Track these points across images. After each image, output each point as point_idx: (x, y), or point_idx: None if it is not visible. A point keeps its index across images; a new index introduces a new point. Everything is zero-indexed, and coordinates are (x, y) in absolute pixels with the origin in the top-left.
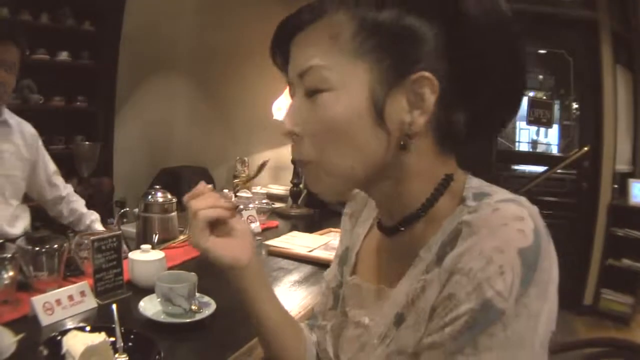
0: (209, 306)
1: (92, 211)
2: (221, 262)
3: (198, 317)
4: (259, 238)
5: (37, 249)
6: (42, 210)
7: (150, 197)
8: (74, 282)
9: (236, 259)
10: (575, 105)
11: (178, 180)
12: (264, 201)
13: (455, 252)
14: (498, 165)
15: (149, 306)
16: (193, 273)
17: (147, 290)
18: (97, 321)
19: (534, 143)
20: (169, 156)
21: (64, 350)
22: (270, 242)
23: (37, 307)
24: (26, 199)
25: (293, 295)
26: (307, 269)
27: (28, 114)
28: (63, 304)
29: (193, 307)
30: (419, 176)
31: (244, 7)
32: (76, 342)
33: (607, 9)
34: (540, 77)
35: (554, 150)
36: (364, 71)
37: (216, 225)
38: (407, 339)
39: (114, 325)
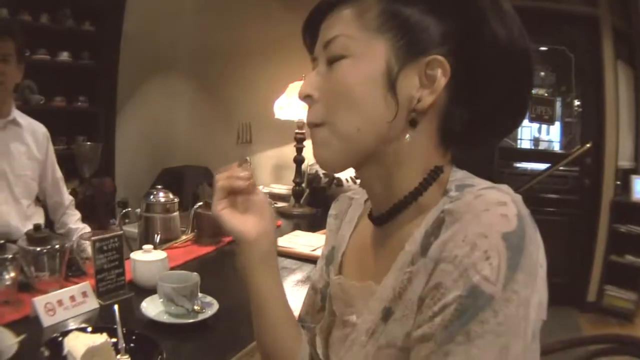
0: (212, 306)
1: (84, 225)
2: (229, 231)
3: (200, 317)
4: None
5: (38, 249)
6: None
7: (152, 197)
8: (76, 283)
9: (243, 232)
10: (576, 102)
11: (180, 180)
12: None
13: (440, 241)
14: (500, 163)
15: (151, 307)
16: (195, 273)
17: (149, 291)
18: (99, 322)
19: (536, 140)
20: (171, 156)
21: (65, 351)
22: None
23: (39, 307)
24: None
25: (296, 295)
26: (310, 268)
27: (29, 115)
28: (65, 304)
29: (195, 308)
30: (412, 163)
31: (244, 7)
32: (77, 343)
33: (608, 5)
34: (542, 74)
35: (556, 148)
36: (383, 45)
37: (235, 197)
38: (396, 332)
39: (115, 326)
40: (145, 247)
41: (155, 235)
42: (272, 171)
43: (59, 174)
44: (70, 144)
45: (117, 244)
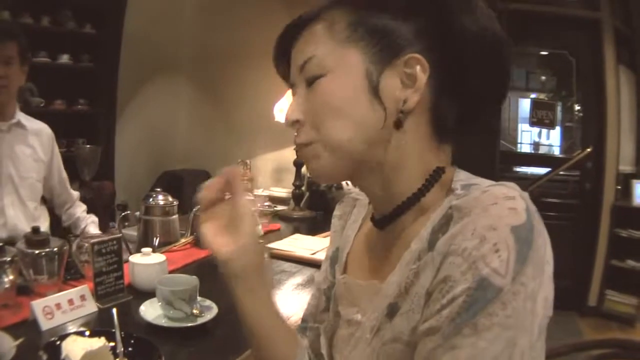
0: (211, 310)
1: (90, 215)
2: (207, 246)
3: (200, 321)
4: (261, 241)
5: (37, 252)
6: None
7: (151, 200)
8: (74, 286)
9: (216, 249)
10: (577, 107)
11: (180, 183)
12: (266, 204)
13: (448, 234)
14: (500, 167)
15: (150, 310)
16: (194, 276)
17: (148, 294)
18: (98, 325)
19: (536, 145)
20: (171, 159)
21: (63, 355)
22: (272, 245)
23: (37, 311)
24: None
25: (296, 299)
26: (310, 271)
27: None
28: (63, 308)
29: (194, 311)
30: (411, 166)
31: (245, 8)
32: (75, 347)
33: (609, 9)
34: (543, 78)
35: (556, 152)
36: (358, 54)
37: (217, 208)
38: (402, 327)
39: (114, 330)
40: (144, 250)
41: (155, 239)
42: (272, 174)
43: (64, 174)
44: (70, 146)
45: (115, 246)
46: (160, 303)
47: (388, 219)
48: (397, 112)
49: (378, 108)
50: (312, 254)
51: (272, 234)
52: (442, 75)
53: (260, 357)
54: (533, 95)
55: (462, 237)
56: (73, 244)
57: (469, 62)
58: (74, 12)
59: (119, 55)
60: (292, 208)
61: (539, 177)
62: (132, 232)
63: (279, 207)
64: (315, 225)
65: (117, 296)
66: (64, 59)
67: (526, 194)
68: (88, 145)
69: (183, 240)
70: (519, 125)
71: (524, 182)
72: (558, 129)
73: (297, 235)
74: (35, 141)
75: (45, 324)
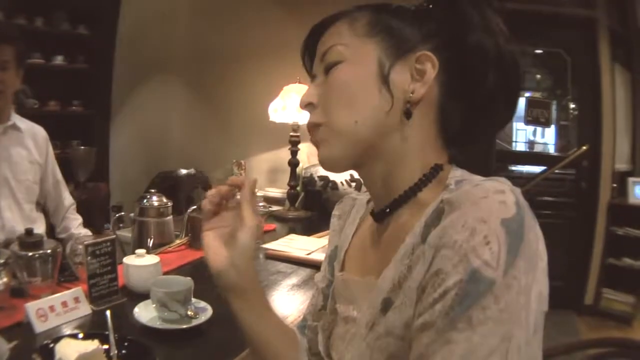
0: (206, 312)
1: (85, 231)
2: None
3: (194, 322)
4: (256, 241)
5: (30, 254)
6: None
7: (145, 201)
8: (68, 288)
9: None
10: (572, 105)
11: (174, 184)
12: (260, 204)
13: (439, 228)
14: (496, 166)
15: (144, 312)
16: (189, 278)
17: (143, 296)
18: (92, 328)
19: (531, 143)
20: (165, 160)
21: (56, 358)
22: (267, 246)
23: (31, 313)
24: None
25: (291, 299)
26: (305, 272)
27: None
28: (57, 310)
29: (189, 313)
30: (411, 161)
31: (238, 10)
32: (69, 350)
33: (605, 8)
34: (538, 76)
35: (551, 150)
36: (373, 47)
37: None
38: (395, 321)
39: (107, 332)
40: (138, 251)
41: (149, 240)
42: (267, 174)
43: (59, 176)
44: (64, 148)
45: (109, 248)
46: (154, 305)
47: (386, 212)
48: (404, 102)
49: (386, 95)
50: (308, 254)
51: (267, 235)
52: (451, 76)
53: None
54: (528, 94)
55: (452, 230)
56: (67, 245)
57: (482, 70)
58: (68, 13)
59: (113, 57)
60: (287, 208)
61: (534, 176)
62: (127, 233)
63: (274, 208)
64: (310, 226)
65: (111, 298)
66: (58, 60)
67: (517, 189)
68: (82, 147)
69: (178, 241)
70: (514, 124)
71: (520, 180)
72: (553, 127)
73: (293, 236)
74: (31, 143)
75: (39, 327)
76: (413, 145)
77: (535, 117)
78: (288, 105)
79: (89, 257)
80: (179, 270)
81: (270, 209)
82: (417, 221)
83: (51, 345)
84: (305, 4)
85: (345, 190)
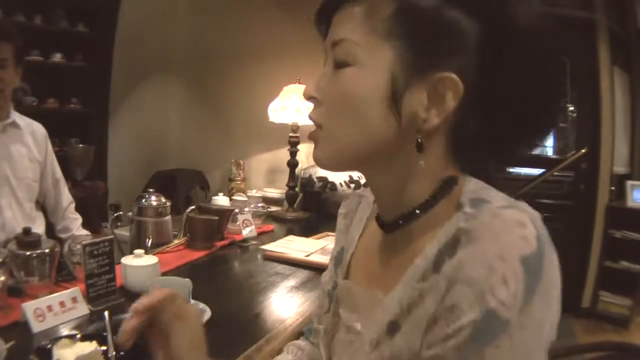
0: (204, 313)
1: (87, 232)
2: None
3: None
4: (255, 242)
5: (27, 253)
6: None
7: (144, 200)
8: (66, 288)
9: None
10: (571, 108)
11: (173, 184)
12: (259, 205)
13: (455, 260)
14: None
15: None
16: (187, 279)
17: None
18: (89, 328)
19: None
20: (164, 159)
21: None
22: (266, 247)
23: (29, 313)
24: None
25: (290, 302)
26: (304, 274)
27: None
28: (54, 310)
29: None
30: (423, 176)
31: (238, 9)
32: (66, 351)
33: (604, 10)
34: None
35: (549, 153)
36: (389, 55)
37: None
38: (402, 347)
39: (105, 333)
40: (137, 251)
41: (147, 240)
42: (265, 175)
43: (58, 174)
44: (62, 146)
45: (107, 248)
46: None
47: (394, 225)
48: (413, 131)
49: (392, 119)
50: (307, 255)
51: (265, 236)
52: (479, 92)
53: None
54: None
55: (470, 266)
56: (65, 245)
57: (521, 81)
58: (67, 11)
59: (112, 55)
60: (286, 209)
61: (532, 178)
62: (124, 232)
63: (273, 208)
64: (308, 226)
65: (109, 298)
66: (57, 57)
67: (537, 216)
68: (81, 145)
69: (176, 241)
70: None
71: (518, 183)
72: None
73: (291, 237)
74: (30, 140)
75: (36, 327)
76: (421, 166)
77: None
78: (287, 105)
79: (87, 257)
80: (178, 271)
81: (268, 209)
82: (429, 242)
83: (49, 346)
84: (305, 4)
85: (344, 192)
